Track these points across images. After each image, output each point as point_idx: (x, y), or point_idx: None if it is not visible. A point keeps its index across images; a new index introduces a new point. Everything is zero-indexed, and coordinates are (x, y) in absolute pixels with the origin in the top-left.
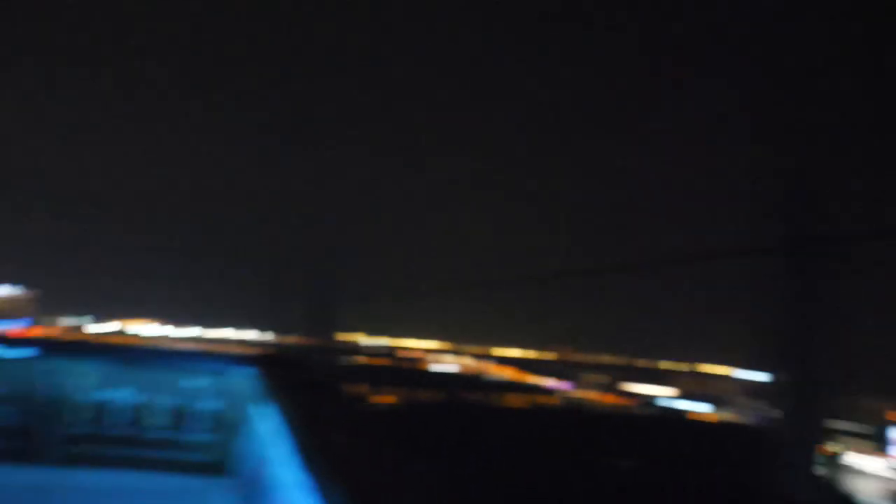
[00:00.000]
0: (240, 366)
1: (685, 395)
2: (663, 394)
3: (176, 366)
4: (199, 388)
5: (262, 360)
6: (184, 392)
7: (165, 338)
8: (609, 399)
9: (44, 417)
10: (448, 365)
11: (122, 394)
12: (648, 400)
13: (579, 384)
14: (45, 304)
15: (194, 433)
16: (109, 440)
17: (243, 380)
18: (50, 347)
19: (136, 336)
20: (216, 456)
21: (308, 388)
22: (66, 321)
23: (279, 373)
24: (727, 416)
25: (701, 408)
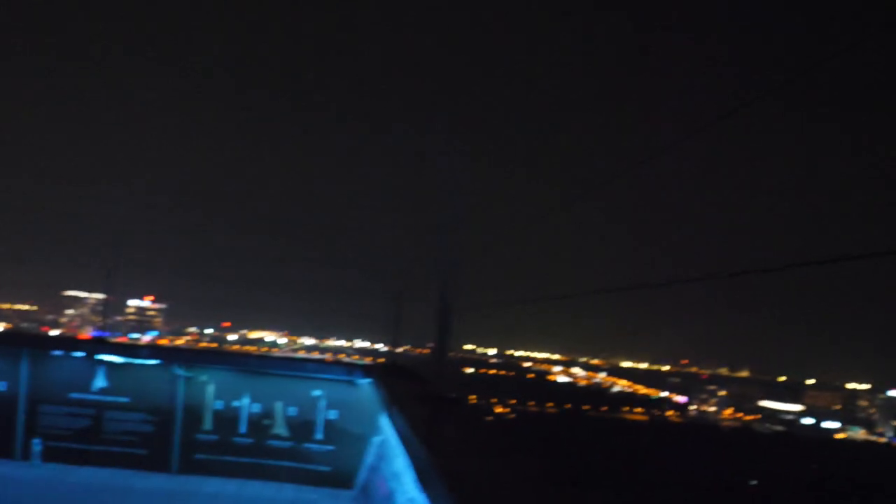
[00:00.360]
0: (361, 376)
1: (816, 412)
2: (792, 410)
3: (298, 375)
4: (322, 398)
5: (383, 370)
6: (306, 401)
7: (284, 346)
8: (734, 414)
9: (169, 425)
10: (566, 376)
11: (245, 402)
12: (776, 416)
13: (702, 398)
14: (173, 314)
15: (316, 444)
16: (233, 449)
17: (365, 390)
18: (176, 355)
19: (256, 344)
20: (338, 467)
21: (429, 399)
22: (192, 330)
23: (400, 383)
24: (867, 435)
25: (834, 426)
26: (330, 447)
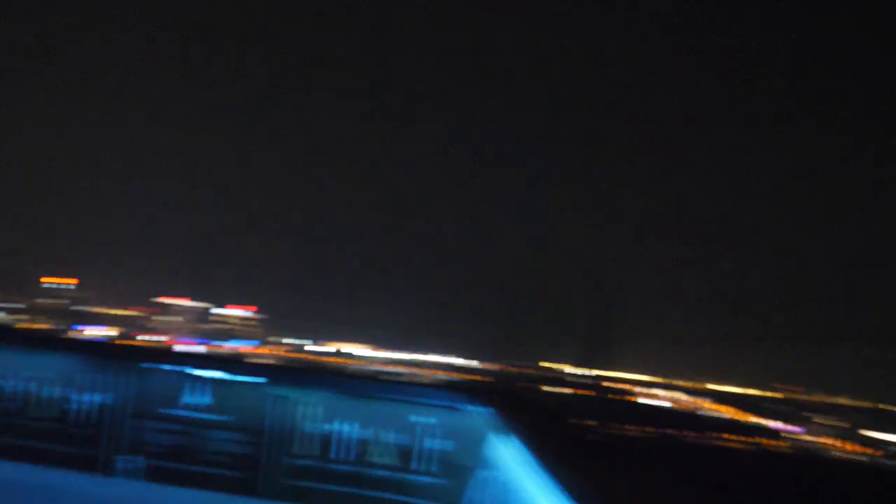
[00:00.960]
0: (472, 402)
1: None
2: None
3: (402, 399)
4: (427, 425)
5: (497, 396)
6: (409, 428)
7: (377, 360)
8: (848, 447)
9: (262, 446)
10: (659, 400)
11: (343, 426)
12: (885, 447)
13: (811, 428)
14: (271, 324)
15: (423, 475)
16: (328, 476)
17: (475, 418)
18: (273, 372)
19: (346, 357)
20: (443, 501)
21: (548, 425)
22: (289, 342)
23: (516, 409)
24: None
25: None
26: (435, 479)
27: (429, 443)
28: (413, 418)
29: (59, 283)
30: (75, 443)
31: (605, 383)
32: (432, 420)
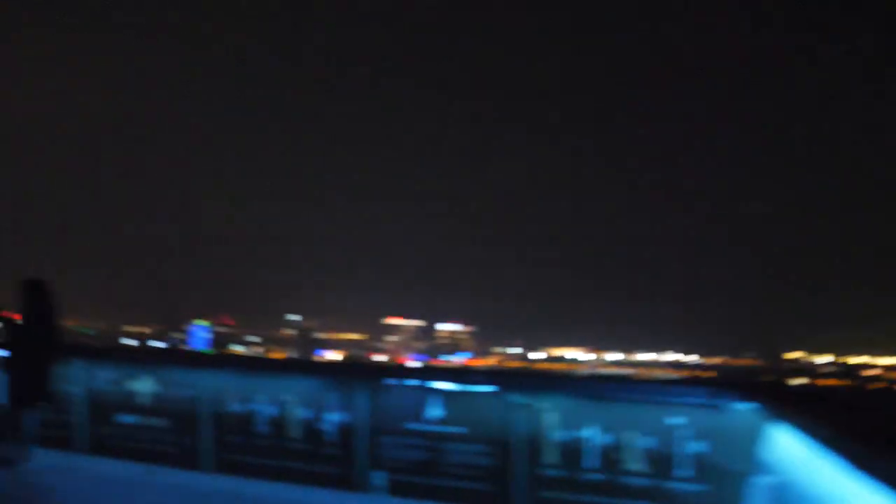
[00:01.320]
0: (736, 399)
1: None
2: None
3: (653, 399)
4: (684, 427)
5: (766, 389)
6: (665, 431)
7: (590, 362)
8: None
9: (510, 458)
10: None
11: (593, 433)
12: None
13: None
14: (485, 336)
15: (682, 482)
16: (581, 486)
17: (741, 417)
18: (512, 380)
19: (561, 362)
20: None
21: (842, 419)
22: (507, 351)
23: (794, 403)
24: None
25: None
26: (699, 486)
27: (687, 445)
28: (667, 419)
29: (293, 315)
30: (327, 461)
31: (864, 371)
32: (689, 420)
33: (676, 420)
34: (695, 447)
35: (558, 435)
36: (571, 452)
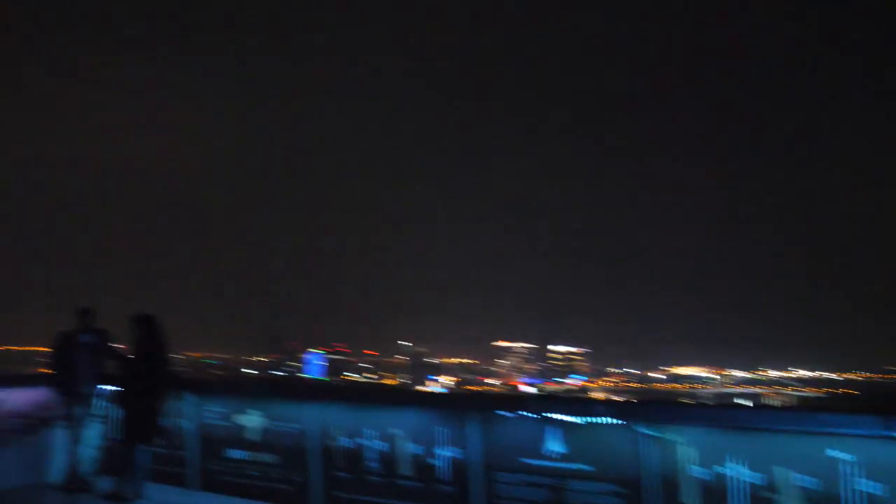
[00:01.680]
0: None
1: None
2: None
3: (808, 430)
4: (850, 463)
5: None
6: (825, 467)
7: (714, 382)
8: None
9: (641, 497)
10: None
11: (737, 469)
12: None
13: None
14: (599, 357)
15: None
16: None
17: None
18: (638, 411)
19: (684, 381)
20: None
21: None
22: (617, 371)
23: None
24: None
25: None
26: None
27: (856, 485)
28: (828, 454)
29: (405, 342)
30: (440, 500)
31: None
32: (858, 455)
33: (841, 454)
34: (866, 487)
35: (697, 472)
36: (713, 492)
